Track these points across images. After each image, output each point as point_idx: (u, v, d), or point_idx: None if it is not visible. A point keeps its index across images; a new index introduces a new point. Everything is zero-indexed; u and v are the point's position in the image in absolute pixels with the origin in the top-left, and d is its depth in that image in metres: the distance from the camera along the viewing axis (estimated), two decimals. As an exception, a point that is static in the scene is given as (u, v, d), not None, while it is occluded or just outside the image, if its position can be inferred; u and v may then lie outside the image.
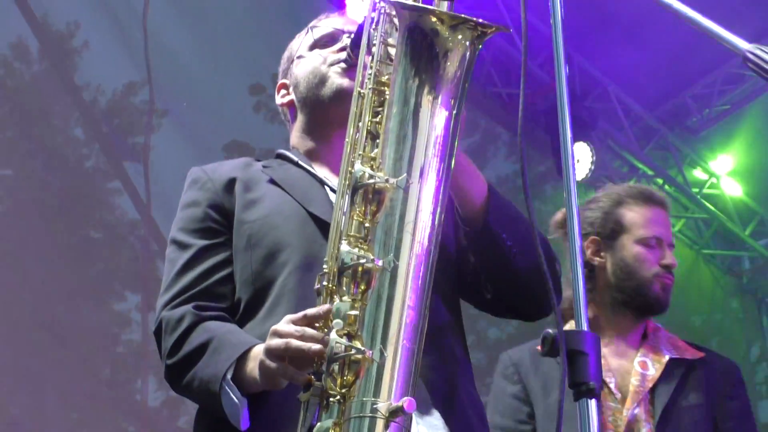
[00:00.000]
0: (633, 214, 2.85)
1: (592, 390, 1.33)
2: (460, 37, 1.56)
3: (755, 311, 8.48)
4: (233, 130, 5.48)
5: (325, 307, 1.50)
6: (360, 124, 1.63)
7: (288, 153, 2.07)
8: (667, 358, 2.77)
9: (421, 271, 1.49)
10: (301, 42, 2.16)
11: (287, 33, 2.27)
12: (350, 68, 1.96)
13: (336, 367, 1.44)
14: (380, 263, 1.48)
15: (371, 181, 1.52)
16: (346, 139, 1.65)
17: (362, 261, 1.48)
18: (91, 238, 5.08)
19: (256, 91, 5.72)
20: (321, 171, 2.01)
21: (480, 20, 1.56)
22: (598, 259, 2.85)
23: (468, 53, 1.57)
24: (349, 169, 1.59)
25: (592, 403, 1.32)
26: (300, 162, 2.03)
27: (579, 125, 6.41)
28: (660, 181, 7.61)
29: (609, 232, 2.85)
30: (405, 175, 1.52)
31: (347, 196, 1.56)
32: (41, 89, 5.03)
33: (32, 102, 4.95)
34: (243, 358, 1.69)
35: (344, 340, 1.44)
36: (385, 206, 1.52)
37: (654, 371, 2.73)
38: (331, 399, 1.44)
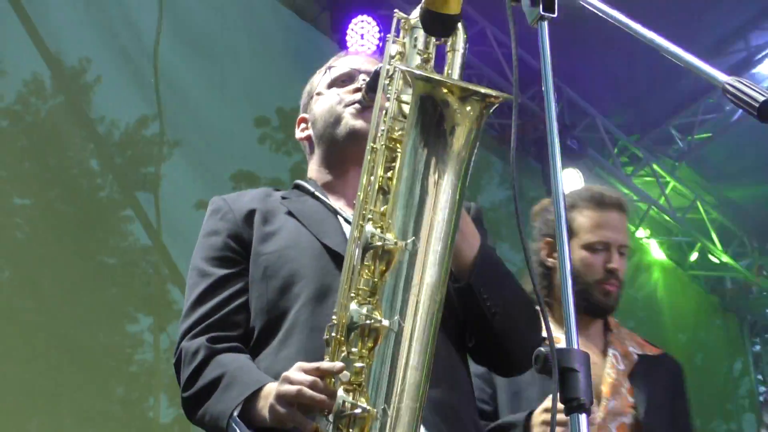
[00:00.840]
0: (582, 219, 2.84)
1: (582, 405, 1.35)
2: (468, 108, 1.60)
3: (737, 329, 8.59)
4: (239, 160, 5.52)
5: (339, 364, 1.55)
6: (372, 177, 1.67)
7: (306, 184, 2.09)
8: (635, 356, 2.81)
9: (425, 332, 1.53)
10: (320, 79, 2.18)
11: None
12: (364, 109, 2.01)
13: (342, 422, 1.50)
14: (387, 323, 1.53)
15: (380, 243, 1.57)
16: (359, 192, 1.69)
17: (369, 321, 1.54)
18: (105, 264, 5.09)
19: (261, 123, 5.78)
20: (336, 203, 2.03)
21: (487, 92, 1.61)
22: (551, 260, 2.86)
23: (475, 127, 1.62)
24: (360, 222, 1.64)
25: (583, 418, 1.34)
26: (316, 193, 2.05)
27: (568, 154, 6.54)
28: (644, 206, 7.76)
29: None
30: (413, 238, 1.56)
31: (358, 254, 1.60)
32: (56, 123, 5.07)
33: (48, 135, 5.00)
34: (254, 395, 1.72)
35: (350, 398, 1.51)
36: (393, 267, 1.56)
37: (623, 367, 2.76)
38: (337, 452, 1.50)
